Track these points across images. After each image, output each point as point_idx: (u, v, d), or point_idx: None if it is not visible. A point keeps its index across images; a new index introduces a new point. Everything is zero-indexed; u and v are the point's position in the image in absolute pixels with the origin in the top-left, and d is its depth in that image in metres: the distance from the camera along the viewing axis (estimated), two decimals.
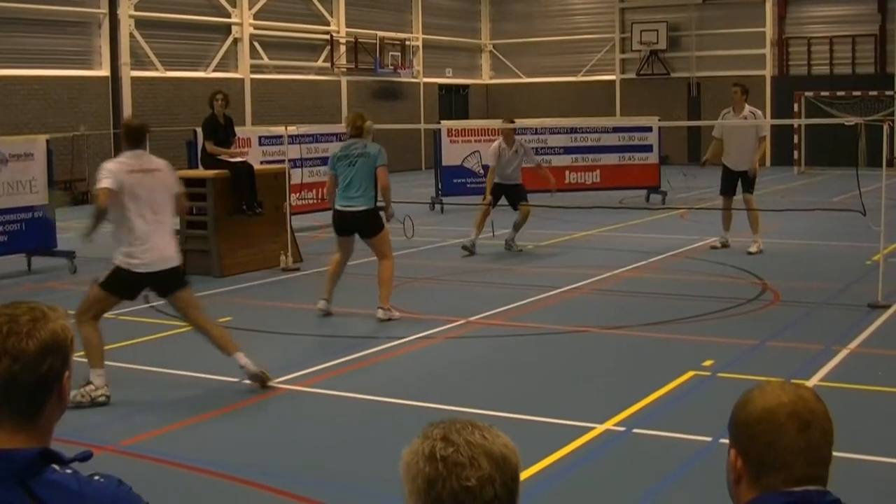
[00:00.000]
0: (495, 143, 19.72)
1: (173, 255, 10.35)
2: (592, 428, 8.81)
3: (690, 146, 42.93)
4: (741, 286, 15.47)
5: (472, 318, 13.32)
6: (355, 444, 8.69)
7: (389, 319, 13.15)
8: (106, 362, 10.24)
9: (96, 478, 2.69)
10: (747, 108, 18.71)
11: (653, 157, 28.19)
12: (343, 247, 13.77)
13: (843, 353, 11.37)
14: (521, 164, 19.51)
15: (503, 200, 19.46)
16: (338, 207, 13.49)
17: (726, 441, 2.90)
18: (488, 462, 2.42)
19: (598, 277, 16.41)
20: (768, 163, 38.30)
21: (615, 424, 8.94)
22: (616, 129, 28.70)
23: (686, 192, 28.76)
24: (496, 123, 29.04)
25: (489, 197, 19.40)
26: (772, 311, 13.82)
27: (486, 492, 2.41)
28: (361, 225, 13.44)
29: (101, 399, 9.79)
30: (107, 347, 11.70)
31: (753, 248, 18.32)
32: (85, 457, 2.78)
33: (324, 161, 22.90)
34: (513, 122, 21.01)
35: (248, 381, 10.32)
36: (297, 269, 17.54)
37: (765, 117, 30.95)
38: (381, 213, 13.55)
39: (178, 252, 10.53)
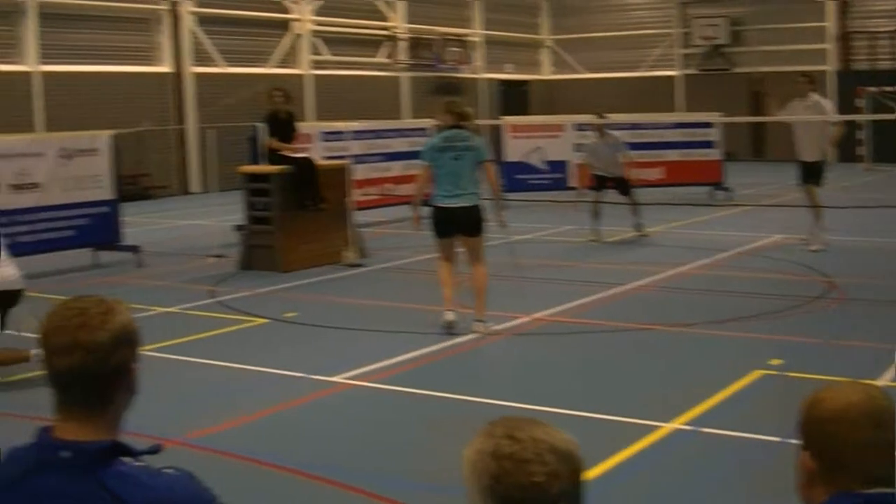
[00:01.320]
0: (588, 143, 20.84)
1: None
2: (660, 427, 8.76)
3: (754, 142, 42.59)
4: (807, 283, 15.32)
5: (537, 315, 13.28)
6: (418, 440, 8.70)
7: (487, 333, 12.23)
8: (174, 356, 10.30)
9: (168, 471, 2.70)
10: (812, 97, 18.51)
11: (716, 154, 27.97)
12: (447, 249, 12.53)
13: None
14: (617, 155, 20.12)
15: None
16: (442, 204, 12.37)
17: (794, 441, 2.88)
18: (554, 457, 2.41)
19: (663, 274, 16.32)
20: (834, 159, 37.96)
21: (683, 423, 8.87)
22: (678, 125, 28.53)
23: (750, 189, 28.55)
24: (558, 119, 29.04)
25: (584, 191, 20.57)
26: (838, 309, 13.68)
27: (553, 487, 2.39)
28: (468, 223, 12.38)
29: None
30: (177, 341, 11.86)
31: (814, 246, 18.07)
32: (155, 450, 2.79)
33: (386, 157, 23.07)
34: (602, 116, 21.27)
35: None
36: (360, 265, 17.57)
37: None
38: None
39: None
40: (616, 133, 21.07)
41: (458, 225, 12.40)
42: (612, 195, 20.36)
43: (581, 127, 27.13)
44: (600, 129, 20.56)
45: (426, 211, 12.80)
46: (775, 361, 10.81)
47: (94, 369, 2.71)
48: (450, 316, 12.24)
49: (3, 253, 10.55)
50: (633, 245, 19.70)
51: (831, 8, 43.11)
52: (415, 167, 23.79)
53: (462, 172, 12.28)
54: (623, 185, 20.24)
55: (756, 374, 10.36)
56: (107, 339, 2.71)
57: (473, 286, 12.46)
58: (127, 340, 2.76)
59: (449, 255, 12.55)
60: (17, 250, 16.67)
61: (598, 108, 28.00)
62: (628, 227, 20.48)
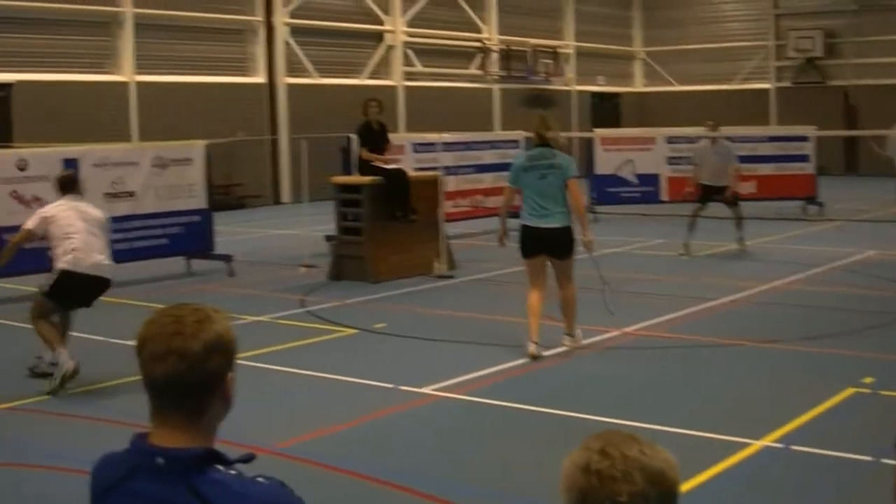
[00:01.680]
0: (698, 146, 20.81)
1: None
2: (749, 444, 8.67)
3: (847, 156, 42.06)
4: None
5: (627, 329, 13.21)
6: (507, 453, 8.68)
7: (578, 345, 12.25)
8: (265, 365, 10.41)
9: (259, 479, 2.72)
10: None
11: (809, 167, 27.65)
12: (535, 271, 12.15)
13: None
14: (727, 164, 19.90)
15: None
16: (528, 223, 12.08)
17: (889, 461, 2.84)
18: (643, 478, 2.38)
19: (755, 289, 16.16)
20: None
21: (773, 441, 8.77)
22: (772, 139, 28.24)
23: (843, 203, 28.20)
24: (650, 132, 28.86)
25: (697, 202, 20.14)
26: None
27: None
28: (557, 244, 11.98)
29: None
30: (266, 350, 11.95)
31: None
32: (248, 458, 2.81)
33: (477, 169, 23.08)
34: (716, 124, 21.05)
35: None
36: (451, 277, 17.59)
37: None
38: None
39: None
40: (727, 142, 20.85)
41: (545, 246, 12.05)
42: (712, 209, 20.20)
43: (672, 140, 26.99)
44: (713, 136, 20.41)
45: (514, 228, 12.60)
46: (868, 379, 10.65)
47: (187, 377, 2.74)
48: (532, 349, 11.85)
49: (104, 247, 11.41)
50: (724, 259, 19.53)
51: None
52: (505, 180, 23.97)
53: (547, 192, 11.93)
54: (730, 197, 19.99)
55: (848, 392, 10.21)
56: (199, 348, 2.74)
57: (562, 304, 12.22)
58: (221, 350, 2.78)
59: (537, 281, 12.13)
60: (112, 258, 17.04)
61: (690, 120, 27.80)
62: (720, 241, 20.32)
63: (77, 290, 11.24)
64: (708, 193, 20.00)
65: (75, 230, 11.15)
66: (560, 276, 12.14)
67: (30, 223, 11.46)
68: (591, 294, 14.49)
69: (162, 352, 2.74)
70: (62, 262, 11.10)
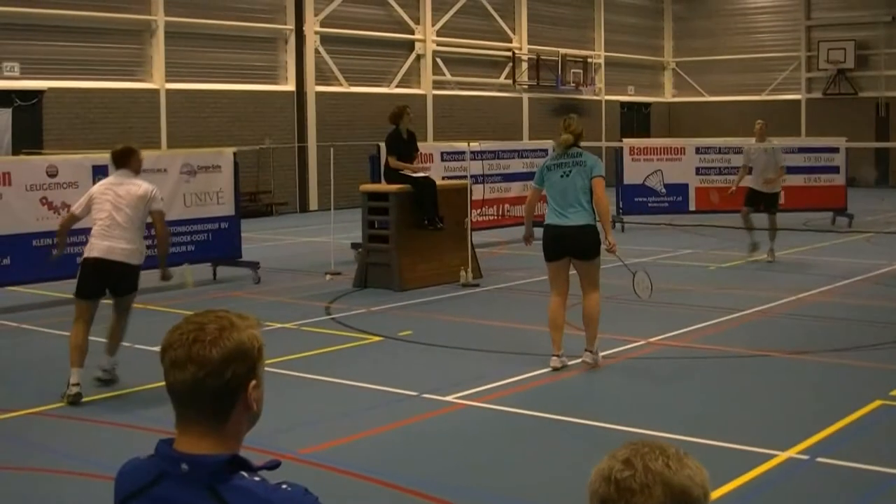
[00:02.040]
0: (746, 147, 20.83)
1: None
2: (775, 455, 8.62)
3: (878, 167, 41.88)
4: None
5: (653, 339, 13.17)
6: (534, 461, 8.66)
7: (596, 365, 11.71)
8: (290, 372, 10.42)
9: (283, 486, 2.72)
10: None
11: (840, 179, 27.53)
12: (558, 276, 11.81)
13: None
14: (771, 164, 19.87)
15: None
16: (551, 223, 11.74)
17: None
18: (663, 491, 2.34)
19: (783, 301, 16.08)
20: None
21: (799, 452, 8.72)
22: (802, 150, 28.12)
23: (873, 216, 28.06)
24: (679, 142, 28.82)
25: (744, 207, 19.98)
26: None
27: None
28: (580, 244, 11.56)
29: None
30: (292, 357, 11.96)
31: None
32: (273, 465, 2.81)
33: (505, 178, 23.08)
34: (764, 124, 21.22)
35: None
36: (477, 285, 17.57)
37: None
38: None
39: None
40: (776, 144, 20.78)
41: (567, 246, 11.62)
42: (728, 219, 20.13)
43: (701, 150, 26.92)
44: (762, 136, 20.36)
45: (538, 232, 12.41)
46: None
47: (207, 385, 2.73)
48: (555, 363, 11.61)
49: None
50: (751, 270, 19.44)
51: None
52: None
53: (569, 189, 11.58)
54: (772, 204, 19.91)
55: (876, 404, 10.16)
56: (218, 356, 2.73)
57: (585, 314, 11.74)
58: (241, 358, 2.77)
59: (560, 288, 11.77)
60: None
61: (719, 131, 27.73)
62: (740, 252, 20.27)
63: (90, 277, 11.07)
64: (754, 200, 19.89)
65: (102, 214, 11.06)
66: (584, 281, 11.74)
67: (75, 205, 11.51)
68: (616, 303, 14.47)
69: (182, 359, 2.74)
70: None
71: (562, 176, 11.65)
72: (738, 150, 27.25)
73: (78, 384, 10.57)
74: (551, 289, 11.90)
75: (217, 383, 2.74)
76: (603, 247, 11.72)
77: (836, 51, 44.15)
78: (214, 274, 18.63)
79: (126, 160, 11.52)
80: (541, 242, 12.03)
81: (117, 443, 9.18)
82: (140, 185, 11.34)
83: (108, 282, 11.17)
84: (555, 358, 11.63)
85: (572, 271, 11.86)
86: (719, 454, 8.65)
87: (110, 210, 11.08)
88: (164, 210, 11.65)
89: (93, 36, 28.86)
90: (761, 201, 19.79)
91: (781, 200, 20.36)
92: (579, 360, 11.90)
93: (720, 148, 27.44)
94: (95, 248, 11.02)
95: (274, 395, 9.91)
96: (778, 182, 19.99)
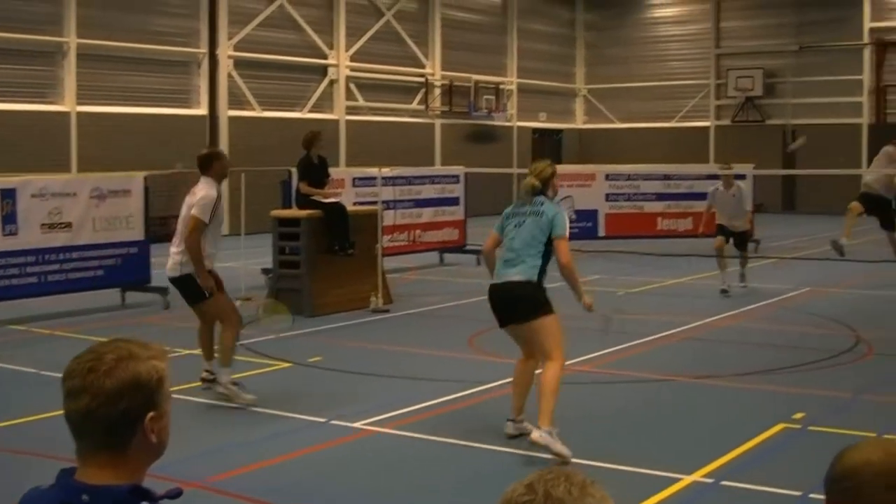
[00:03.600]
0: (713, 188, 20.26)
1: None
2: (681, 479, 8.73)
3: (785, 194, 42.51)
4: (835, 337, 15.26)
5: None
6: (442, 488, 8.69)
7: (547, 447, 9.18)
8: (197, 399, 10.39)
9: None
10: None
11: (747, 205, 27.84)
12: (517, 340, 10.12)
13: None
14: (742, 209, 19.86)
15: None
16: (492, 282, 10.10)
17: (817, 496, 2.87)
18: None
19: (690, 325, 16.28)
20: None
21: (704, 476, 8.83)
22: (710, 177, 28.43)
23: (780, 241, 28.46)
24: (590, 169, 29.07)
25: (716, 237, 19.78)
26: (866, 364, 13.62)
27: None
28: (512, 304, 9.84)
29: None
30: (197, 384, 11.89)
31: None
32: (175, 494, 2.80)
33: (417, 203, 23.15)
34: (729, 166, 20.87)
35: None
36: (387, 311, 17.59)
37: (862, 166, 30.57)
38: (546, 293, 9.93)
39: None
40: (741, 185, 20.38)
41: (504, 309, 9.96)
42: (644, 245, 20.29)
43: (611, 177, 27.20)
44: (727, 179, 19.90)
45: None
46: (799, 415, 10.76)
47: (101, 414, 2.72)
48: (509, 429, 10.00)
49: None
50: (658, 295, 19.66)
51: (867, 61, 43.07)
52: (445, 213, 24.05)
53: (518, 241, 9.91)
54: (742, 240, 20.10)
55: (779, 428, 10.31)
56: (111, 386, 2.72)
57: (541, 384, 9.63)
58: (137, 389, 2.75)
59: (523, 349, 10.11)
60: (46, 289, 16.93)
61: (630, 157, 27.97)
62: (655, 278, 20.43)
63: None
64: (727, 233, 19.76)
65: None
66: (538, 347, 9.84)
67: None
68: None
69: (77, 388, 2.73)
70: None
71: (516, 226, 10.00)
72: (648, 177, 27.61)
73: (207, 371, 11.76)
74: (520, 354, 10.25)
75: (110, 413, 2.72)
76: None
77: (744, 79, 44.83)
78: (123, 299, 18.45)
79: (204, 166, 11.78)
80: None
81: (18, 471, 9.06)
82: (196, 194, 11.45)
83: (183, 294, 11.77)
84: (509, 423, 10.03)
85: None
86: (625, 478, 8.73)
87: (179, 221, 11.56)
88: (199, 216, 11.39)
89: (3, 57, 28.52)
90: (731, 236, 19.84)
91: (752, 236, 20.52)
92: (489, 385, 11.94)
93: (630, 175, 27.73)
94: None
95: (182, 421, 9.84)
96: (746, 223, 20.18)
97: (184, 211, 11.55)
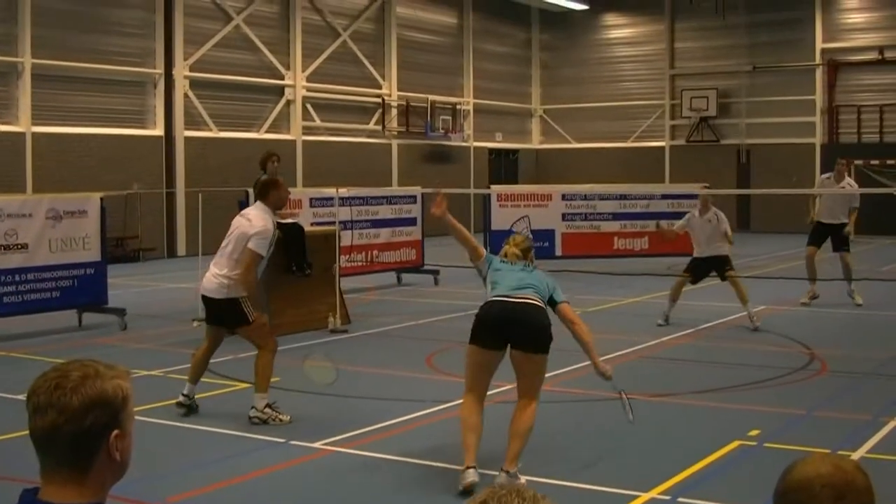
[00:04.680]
0: (689, 214, 19.12)
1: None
2: (637, 496, 8.80)
3: (739, 213, 42.85)
4: (789, 355, 15.42)
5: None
6: None
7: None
8: (155, 420, 10.39)
9: None
10: (847, 179, 19.63)
11: (724, 227, 28.07)
12: (481, 370, 9.37)
13: (892, 424, 11.28)
14: (716, 233, 18.48)
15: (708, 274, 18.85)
16: (496, 296, 9.26)
17: None
18: None
19: (646, 344, 16.38)
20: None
21: (660, 493, 8.91)
22: (665, 196, 28.72)
23: (735, 260, 28.64)
24: (546, 188, 29.22)
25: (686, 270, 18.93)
26: (819, 381, 13.77)
27: None
28: (528, 328, 9.09)
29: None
30: (155, 405, 11.87)
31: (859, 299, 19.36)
32: None
33: (374, 224, 23.18)
34: (705, 192, 19.94)
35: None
36: (345, 331, 17.60)
37: (815, 185, 30.84)
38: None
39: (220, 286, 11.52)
40: (716, 211, 18.87)
41: (511, 331, 9.06)
42: (599, 265, 20.36)
43: (567, 196, 27.33)
44: (704, 204, 18.78)
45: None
46: (754, 432, 10.88)
47: (65, 431, 2.76)
48: (469, 477, 8.79)
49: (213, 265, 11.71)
50: (615, 314, 19.76)
51: (819, 82, 43.50)
52: (402, 234, 24.09)
53: (527, 282, 9.28)
54: (719, 266, 18.57)
55: (734, 445, 10.41)
56: (78, 403, 2.76)
57: (513, 425, 9.15)
58: (102, 407, 2.80)
59: (478, 384, 9.36)
60: (2, 311, 16.82)
61: (586, 177, 28.08)
62: (612, 297, 20.51)
63: (207, 311, 11.91)
64: (699, 265, 18.72)
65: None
66: (522, 382, 9.28)
67: None
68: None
69: (43, 405, 2.77)
70: None
71: (521, 270, 9.43)
72: (603, 197, 27.75)
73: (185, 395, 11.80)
74: (467, 385, 9.42)
75: (76, 430, 2.76)
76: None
77: (698, 99, 45.17)
78: (80, 321, 18.38)
79: (263, 194, 11.83)
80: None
81: None
82: (252, 221, 11.48)
83: (213, 316, 11.90)
84: (469, 471, 8.86)
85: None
86: (583, 496, 8.81)
87: (223, 245, 11.63)
88: (257, 251, 11.41)
89: None
90: (711, 268, 18.71)
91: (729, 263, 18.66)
92: (446, 406, 11.98)
93: (586, 195, 27.87)
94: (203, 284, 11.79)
95: (141, 442, 9.84)
96: (725, 246, 18.79)
97: (234, 232, 11.56)
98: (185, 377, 12.38)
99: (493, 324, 9.08)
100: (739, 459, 10.06)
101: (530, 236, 9.37)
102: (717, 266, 18.59)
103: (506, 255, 9.68)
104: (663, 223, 20.55)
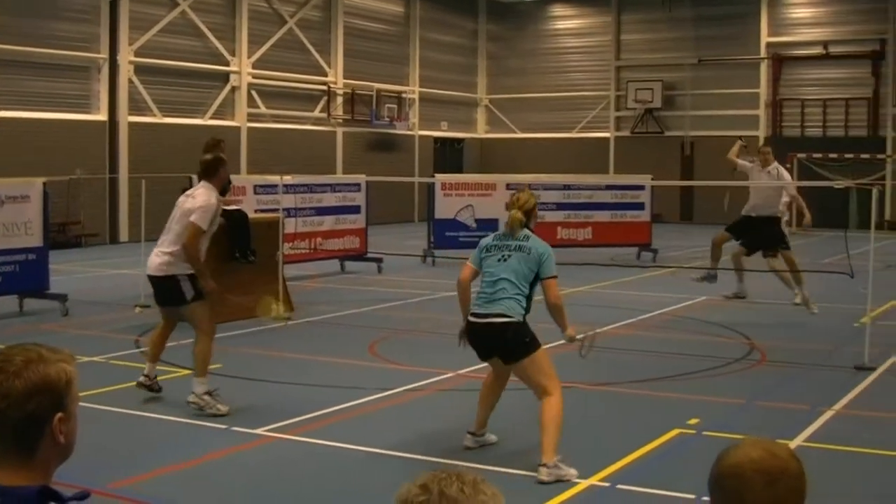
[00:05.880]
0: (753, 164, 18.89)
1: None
2: (577, 483, 8.88)
3: (683, 205, 43.16)
4: (729, 345, 15.56)
5: (462, 371, 13.32)
6: (342, 494, 8.76)
7: (558, 481, 8.91)
8: (98, 406, 10.35)
9: None
10: (774, 163, 18.89)
11: (645, 215, 28.33)
12: (494, 367, 9.99)
13: (829, 414, 11.44)
14: (776, 191, 18.20)
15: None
16: (472, 314, 9.63)
17: (707, 498, 2.97)
18: None
19: (587, 334, 16.43)
20: None
21: (599, 480, 9.00)
22: (609, 187, 28.88)
23: (677, 251, 28.86)
24: (490, 178, 29.25)
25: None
26: (759, 371, 13.91)
27: None
28: (500, 345, 9.53)
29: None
30: (97, 391, 11.82)
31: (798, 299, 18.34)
32: (82, 496, 2.85)
33: (318, 211, 23.16)
34: (767, 146, 19.85)
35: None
36: (289, 319, 17.57)
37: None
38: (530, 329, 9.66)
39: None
40: (776, 165, 18.79)
41: (489, 347, 9.66)
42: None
43: (512, 186, 27.36)
44: (765, 157, 18.64)
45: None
46: (693, 421, 10.99)
47: (9, 416, 2.77)
48: (468, 442, 9.94)
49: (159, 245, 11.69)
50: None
51: (763, 75, 43.83)
52: (346, 221, 24.09)
53: (502, 276, 9.54)
54: (766, 235, 18.15)
55: (674, 433, 10.52)
56: (21, 387, 2.77)
57: (541, 419, 9.36)
58: (46, 391, 2.81)
59: (497, 371, 10.02)
60: None
61: (531, 167, 27.95)
62: (559, 288, 20.59)
63: (154, 292, 11.86)
64: (746, 225, 18.57)
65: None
66: (528, 384, 9.71)
67: None
68: (431, 337, 14.63)
69: None
70: None
71: (499, 260, 9.60)
72: (548, 187, 27.83)
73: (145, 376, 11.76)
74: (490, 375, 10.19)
75: (19, 415, 2.77)
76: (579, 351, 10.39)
77: (644, 91, 45.41)
78: (21, 306, 18.25)
79: (209, 172, 11.94)
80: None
81: None
82: (196, 198, 11.54)
83: (159, 297, 11.82)
84: (468, 436, 9.96)
85: None
86: (522, 483, 8.86)
87: (168, 225, 11.62)
88: (199, 224, 11.44)
89: None
90: (749, 227, 18.45)
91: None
92: (390, 392, 12.03)
93: (530, 185, 27.89)
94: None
95: (84, 427, 9.80)
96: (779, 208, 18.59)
97: (177, 213, 11.59)
98: (127, 363, 12.34)
99: (473, 342, 9.72)
100: (678, 448, 10.16)
101: (535, 193, 9.08)
102: (768, 240, 18.25)
103: (508, 223, 9.73)
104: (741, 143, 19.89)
